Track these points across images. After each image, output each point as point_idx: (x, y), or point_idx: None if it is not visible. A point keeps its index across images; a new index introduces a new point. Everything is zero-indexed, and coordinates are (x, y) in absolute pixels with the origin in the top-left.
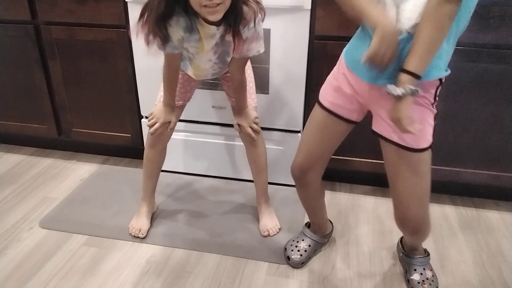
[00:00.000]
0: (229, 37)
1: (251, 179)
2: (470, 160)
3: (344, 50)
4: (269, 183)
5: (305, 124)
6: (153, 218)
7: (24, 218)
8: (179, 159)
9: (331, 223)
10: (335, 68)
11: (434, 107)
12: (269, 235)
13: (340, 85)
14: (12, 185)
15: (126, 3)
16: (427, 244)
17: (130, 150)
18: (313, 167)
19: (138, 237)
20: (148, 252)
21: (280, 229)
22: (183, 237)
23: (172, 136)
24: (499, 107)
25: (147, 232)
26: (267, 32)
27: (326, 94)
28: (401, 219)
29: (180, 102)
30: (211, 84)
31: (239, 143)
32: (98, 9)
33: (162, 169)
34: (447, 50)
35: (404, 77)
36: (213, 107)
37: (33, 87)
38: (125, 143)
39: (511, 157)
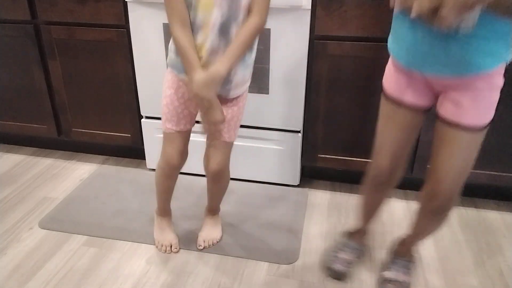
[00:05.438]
0: None
1: (251, 179)
2: None
3: (388, 45)
4: (268, 183)
5: (378, 122)
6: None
7: (24, 218)
8: None
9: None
10: (391, 57)
11: (500, 80)
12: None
13: (401, 71)
14: (12, 185)
15: (126, 3)
16: (426, 244)
17: (130, 150)
18: (398, 166)
19: (171, 252)
20: (148, 252)
21: (217, 242)
22: (183, 237)
23: None
24: (499, 107)
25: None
26: (267, 32)
27: (389, 83)
28: (430, 194)
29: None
30: None
31: (238, 142)
32: (98, 9)
33: None
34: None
35: None
36: None
37: (33, 87)
38: (125, 143)
39: (511, 157)
